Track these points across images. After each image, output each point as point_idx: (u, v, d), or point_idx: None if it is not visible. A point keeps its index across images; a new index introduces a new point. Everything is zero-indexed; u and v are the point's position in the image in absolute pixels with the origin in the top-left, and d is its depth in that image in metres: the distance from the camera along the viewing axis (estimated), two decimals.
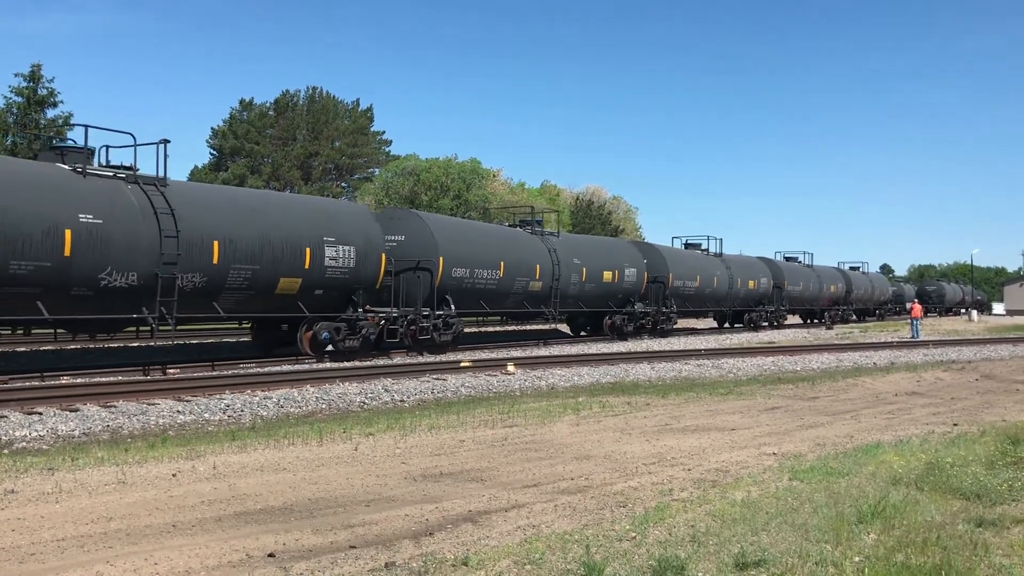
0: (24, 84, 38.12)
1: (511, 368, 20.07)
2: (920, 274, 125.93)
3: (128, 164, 18.53)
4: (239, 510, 6.78)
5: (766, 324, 46.70)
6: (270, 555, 5.56)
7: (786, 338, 38.80)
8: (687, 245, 42.82)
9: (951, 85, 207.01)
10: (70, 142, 19.06)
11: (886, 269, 76.65)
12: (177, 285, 17.97)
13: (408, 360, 22.85)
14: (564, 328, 38.33)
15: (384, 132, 71.23)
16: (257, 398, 14.76)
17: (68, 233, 16.20)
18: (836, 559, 5.31)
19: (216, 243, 18.82)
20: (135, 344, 25.69)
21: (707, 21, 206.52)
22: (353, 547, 5.76)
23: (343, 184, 66.91)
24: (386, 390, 16.19)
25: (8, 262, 15.38)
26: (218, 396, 14.87)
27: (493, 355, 24.94)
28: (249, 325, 24.23)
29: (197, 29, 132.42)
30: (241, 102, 64.24)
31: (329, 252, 21.46)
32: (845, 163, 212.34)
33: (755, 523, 6.18)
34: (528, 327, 38.59)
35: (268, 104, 64.46)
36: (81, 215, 16.47)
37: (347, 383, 16.98)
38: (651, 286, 35.90)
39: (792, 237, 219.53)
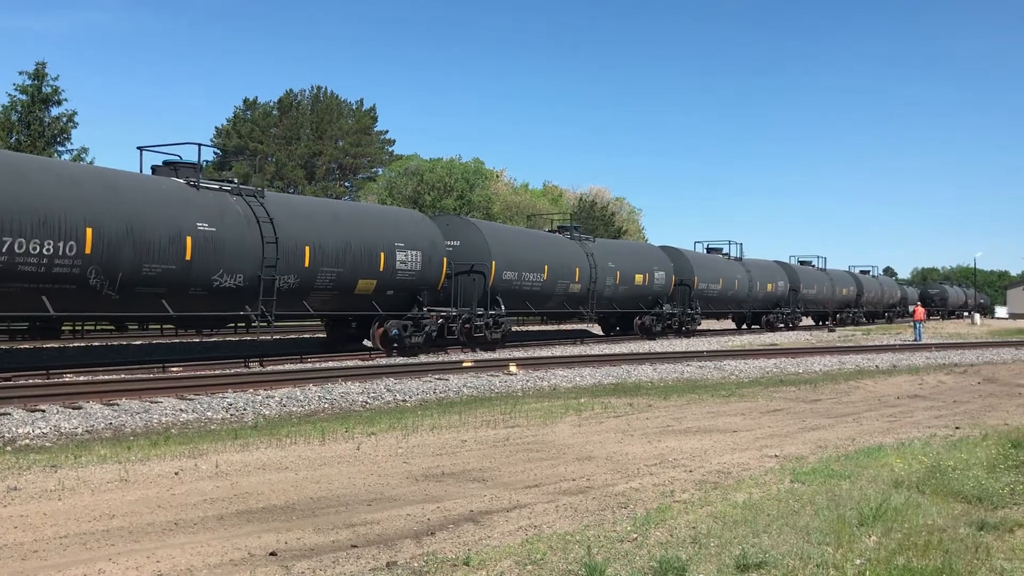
0: (28, 82, 38.15)
1: (513, 368, 20.09)
2: (923, 277, 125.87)
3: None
4: (241, 508, 6.79)
5: (782, 325, 48.22)
6: (272, 554, 5.57)
7: (788, 340, 38.80)
8: (709, 250, 44.89)
9: (954, 87, 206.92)
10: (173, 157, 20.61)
11: (889, 272, 76.52)
12: (276, 286, 20.00)
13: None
14: (593, 329, 40.39)
15: (387, 132, 71.37)
16: (260, 397, 14.78)
17: (189, 240, 18.24)
18: (837, 562, 5.31)
19: (307, 248, 20.94)
20: (138, 342, 25.97)
21: (711, 21, 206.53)
22: (355, 546, 5.76)
23: (346, 184, 66.97)
24: (388, 390, 16.21)
25: (142, 265, 17.40)
26: (221, 395, 14.89)
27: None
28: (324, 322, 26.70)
29: (201, 28, 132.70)
30: (245, 101, 64.42)
31: (399, 256, 23.61)
32: (848, 166, 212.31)
33: (756, 525, 6.18)
34: (563, 327, 41.30)
35: (272, 103, 64.58)
36: (198, 224, 18.53)
37: (349, 382, 17.00)
38: (678, 288, 38.01)
39: (794, 239, 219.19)
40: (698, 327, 40.70)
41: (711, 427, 11.81)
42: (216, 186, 20.15)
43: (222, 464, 8.59)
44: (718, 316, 45.84)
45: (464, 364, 20.77)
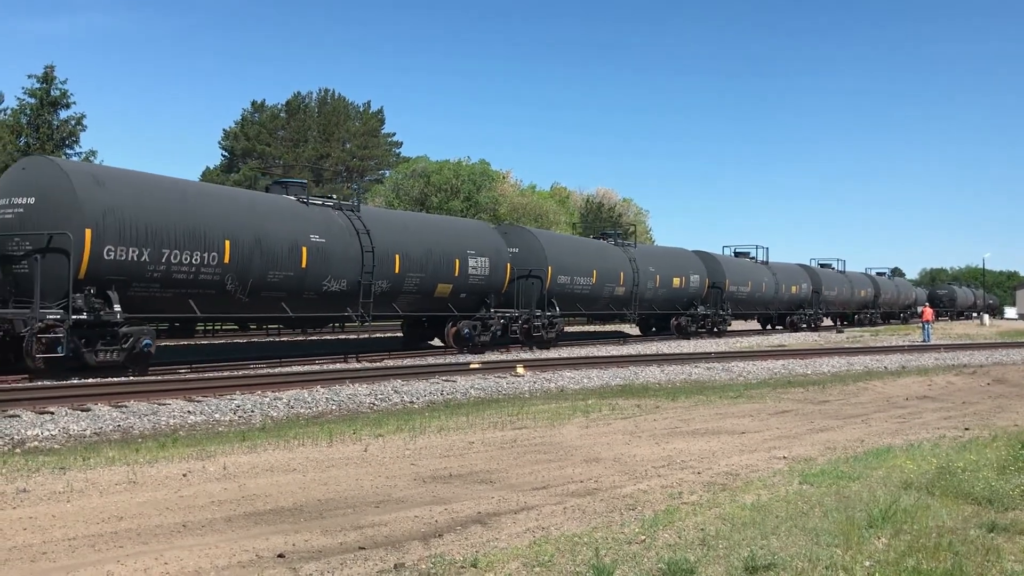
0: (37, 85, 38.30)
1: (520, 370, 20.07)
2: (932, 278, 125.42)
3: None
4: (249, 510, 6.79)
5: (805, 326, 49.82)
6: (280, 555, 5.57)
7: (796, 341, 38.75)
8: (736, 253, 46.85)
9: (963, 88, 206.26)
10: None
11: (897, 272, 76.34)
12: (372, 290, 22.55)
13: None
14: (631, 330, 42.80)
15: (395, 134, 71.44)
16: (267, 399, 14.79)
17: (304, 250, 20.74)
18: (846, 564, 5.29)
19: (398, 256, 23.52)
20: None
21: (719, 23, 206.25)
22: (362, 548, 5.76)
23: (353, 186, 67.06)
24: (396, 391, 16.21)
25: (267, 272, 19.82)
26: (228, 396, 14.91)
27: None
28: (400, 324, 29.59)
29: (208, 30, 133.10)
30: (253, 104, 64.56)
31: (471, 263, 26.10)
32: (856, 166, 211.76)
33: (765, 527, 6.16)
34: (602, 328, 43.96)
35: (280, 106, 64.72)
36: (311, 236, 21.04)
37: (357, 384, 17.00)
38: (711, 291, 40.16)
39: (800, 240, 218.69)
40: (728, 327, 42.70)
41: (719, 428, 11.78)
42: (320, 202, 22.79)
43: (230, 466, 8.59)
44: (746, 317, 47.74)
45: (472, 366, 20.76)
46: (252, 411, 13.67)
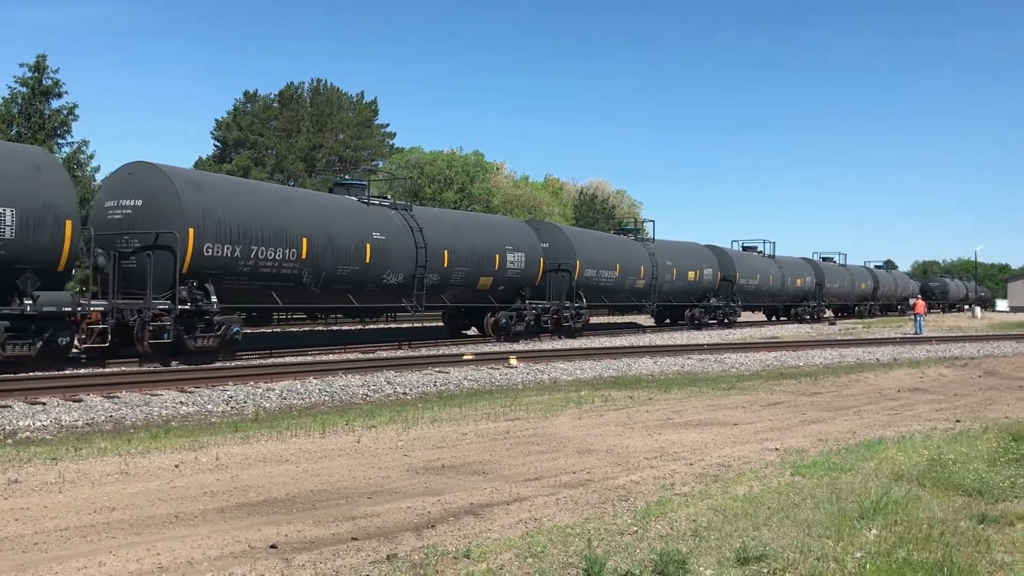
0: (29, 74, 38.05)
1: (513, 361, 20.09)
2: (924, 270, 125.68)
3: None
4: (242, 501, 6.79)
5: (808, 317, 51.90)
6: (272, 546, 5.57)
7: (789, 333, 38.86)
8: (744, 247, 48.92)
9: (956, 80, 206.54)
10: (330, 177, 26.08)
11: (890, 265, 76.63)
12: (424, 283, 24.76)
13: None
14: (644, 321, 44.53)
15: (388, 125, 71.09)
16: (260, 390, 14.79)
17: (368, 246, 23.02)
18: (838, 555, 5.30)
19: (446, 251, 25.71)
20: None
21: (712, 14, 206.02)
22: (355, 539, 5.76)
23: (346, 177, 66.91)
24: (388, 382, 16.21)
25: (338, 266, 22.10)
26: (221, 387, 14.91)
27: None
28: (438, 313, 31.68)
29: (201, 20, 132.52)
30: (245, 94, 64.10)
31: (509, 257, 28.30)
32: (848, 158, 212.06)
33: (757, 518, 6.18)
34: (618, 319, 45.78)
35: (272, 96, 64.33)
36: (374, 233, 23.33)
37: (350, 375, 17.01)
38: (722, 284, 42.25)
39: (797, 232, 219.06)
40: (738, 319, 44.91)
41: (711, 420, 11.80)
42: (378, 202, 25.08)
43: (222, 457, 8.59)
44: (754, 309, 50.32)
45: (465, 357, 20.77)
46: (245, 402, 13.66)
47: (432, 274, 25.06)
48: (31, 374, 15.39)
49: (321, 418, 11.59)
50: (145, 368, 17.34)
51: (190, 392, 14.22)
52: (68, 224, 16.51)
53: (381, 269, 23.39)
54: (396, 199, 25.87)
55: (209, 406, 13.19)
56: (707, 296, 41.17)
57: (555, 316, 30.67)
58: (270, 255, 20.16)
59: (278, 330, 30.09)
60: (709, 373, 19.87)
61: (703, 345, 27.50)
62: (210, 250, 18.83)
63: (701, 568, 5.08)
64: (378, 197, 25.55)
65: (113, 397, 13.45)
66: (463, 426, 10.93)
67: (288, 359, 20.39)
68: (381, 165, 64.13)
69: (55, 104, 38.91)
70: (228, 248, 19.20)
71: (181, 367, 17.78)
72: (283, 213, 20.88)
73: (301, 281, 21.24)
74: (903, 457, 8.64)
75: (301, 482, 7.50)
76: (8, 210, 15.62)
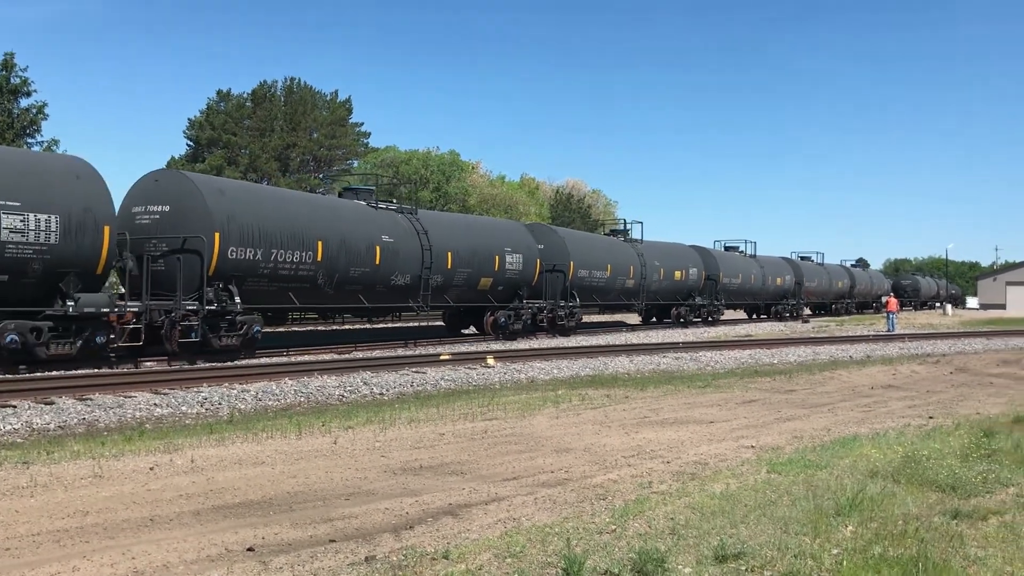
0: None
1: (491, 361, 20.07)
2: (896, 268, 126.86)
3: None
4: (217, 504, 6.73)
5: (788, 315, 53.32)
6: (249, 549, 5.52)
7: (763, 331, 39.13)
8: (727, 248, 50.42)
9: (924, 81, 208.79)
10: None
11: (862, 263, 77.37)
12: (430, 283, 25.74)
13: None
14: (628, 319, 46.35)
15: (363, 124, 70.92)
16: (235, 391, 14.68)
17: (378, 248, 23.96)
18: (814, 551, 5.34)
19: (449, 253, 26.68)
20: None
21: (688, 15, 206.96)
22: (333, 541, 5.73)
23: (320, 176, 66.53)
24: (365, 383, 16.15)
25: (350, 268, 23.06)
26: (195, 389, 14.79)
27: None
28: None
29: (173, 19, 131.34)
30: (218, 93, 63.58)
31: (508, 259, 29.26)
32: (821, 156, 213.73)
33: (734, 516, 6.21)
34: (605, 318, 47.24)
35: (245, 95, 63.89)
36: (383, 236, 24.29)
37: (326, 376, 16.92)
38: (707, 283, 43.69)
39: (769, 230, 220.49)
40: (722, 317, 46.49)
41: (688, 418, 11.85)
42: (385, 206, 26.06)
43: (198, 459, 8.51)
44: (736, 307, 51.88)
45: (442, 357, 20.73)
46: (219, 403, 13.55)
47: (437, 275, 26.09)
48: (2, 376, 15.18)
49: (297, 419, 11.52)
50: (118, 370, 17.17)
51: (164, 394, 14.09)
52: (106, 229, 17.40)
53: (390, 270, 24.39)
54: (403, 203, 26.74)
55: (183, 408, 13.07)
56: (692, 295, 42.55)
57: (550, 315, 31.81)
58: (288, 258, 21.27)
59: (283, 329, 30.53)
60: (685, 371, 19.96)
61: (679, 343, 27.62)
62: (234, 253, 19.86)
63: (680, 566, 5.10)
64: (384, 201, 26.61)
65: (86, 399, 13.30)
66: (441, 426, 10.90)
67: (263, 360, 20.25)
68: (356, 164, 63.86)
69: (24, 103, 38.43)
70: (250, 251, 20.27)
71: (155, 368, 17.62)
72: (300, 217, 21.95)
73: (316, 282, 22.29)
74: (878, 454, 8.72)
75: (277, 484, 7.45)
76: (53, 217, 16.52)
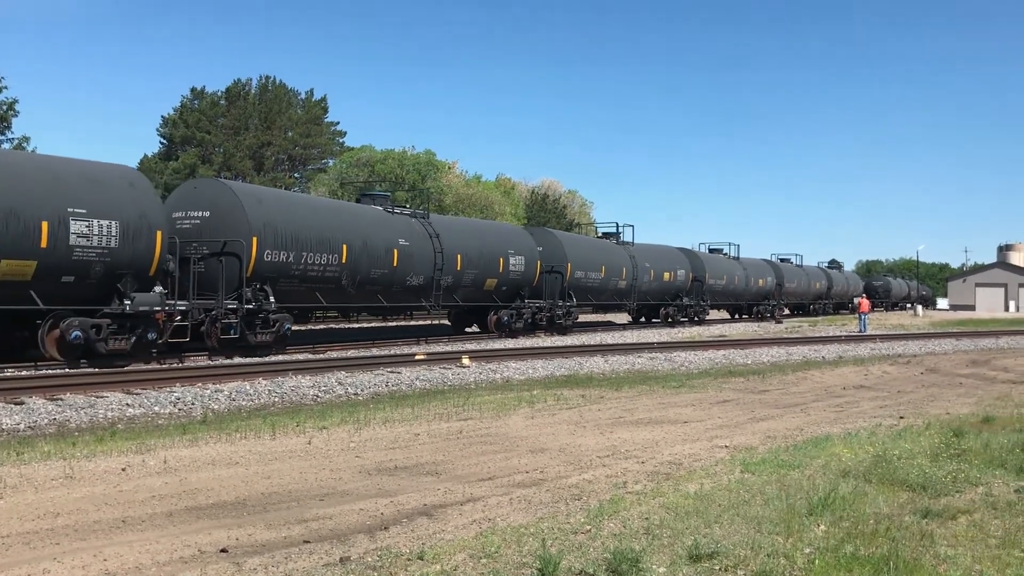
0: None
1: (466, 361, 20.05)
2: (868, 269, 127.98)
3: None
4: (191, 505, 6.69)
5: (770, 315, 55.02)
6: (223, 550, 5.49)
7: (737, 332, 39.38)
8: (711, 250, 51.73)
9: (896, 84, 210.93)
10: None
11: (835, 264, 78.14)
12: (441, 284, 27.30)
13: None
14: (617, 319, 47.88)
15: (338, 123, 70.72)
16: (208, 391, 14.57)
17: (395, 251, 25.54)
18: (787, 551, 5.39)
19: (459, 256, 28.21)
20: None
21: (668, 16, 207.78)
22: (307, 542, 5.71)
23: (295, 175, 66.18)
24: (340, 383, 16.08)
25: (371, 269, 24.67)
26: (168, 389, 14.67)
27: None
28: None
29: (147, 15, 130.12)
30: (192, 90, 63.13)
31: (511, 260, 30.94)
32: (794, 158, 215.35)
33: (708, 515, 6.25)
34: (602, 317, 48.68)
35: (219, 93, 63.43)
36: (400, 240, 25.84)
37: (300, 376, 16.83)
38: (694, 284, 45.09)
39: (745, 231, 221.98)
40: (707, 317, 48.03)
41: (662, 418, 11.90)
42: (399, 211, 27.62)
43: (170, 460, 8.45)
44: (720, 307, 53.75)
45: (417, 357, 20.68)
46: (193, 403, 13.45)
47: (447, 276, 27.64)
48: None
49: (271, 419, 11.45)
50: (89, 370, 17.01)
51: (136, 394, 13.96)
52: (159, 234, 18.69)
53: (406, 272, 25.97)
54: (415, 208, 28.46)
55: (156, 408, 12.96)
56: (680, 296, 44.09)
57: (549, 314, 33.26)
58: (317, 260, 22.80)
59: (304, 328, 31.34)
60: (659, 371, 20.04)
61: (653, 344, 27.73)
62: (269, 256, 21.41)
63: (654, 566, 5.12)
64: (399, 206, 28.33)
65: (56, 399, 13.15)
66: (416, 426, 10.88)
67: (237, 359, 20.11)
68: (331, 164, 63.56)
69: None
70: (283, 254, 21.84)
71: (127, 368, 17.47)
72: (327, 222, 23.54)
73: (340, 283, 23.82)
74: (849, 453, 8.80)
75: (251, 485, 7.41)
76: (114, 222, 17.75)
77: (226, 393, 14.43)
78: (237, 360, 19.96)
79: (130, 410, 12.71)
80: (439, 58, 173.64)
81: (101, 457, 8.59)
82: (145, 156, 61.76)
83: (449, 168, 63.07)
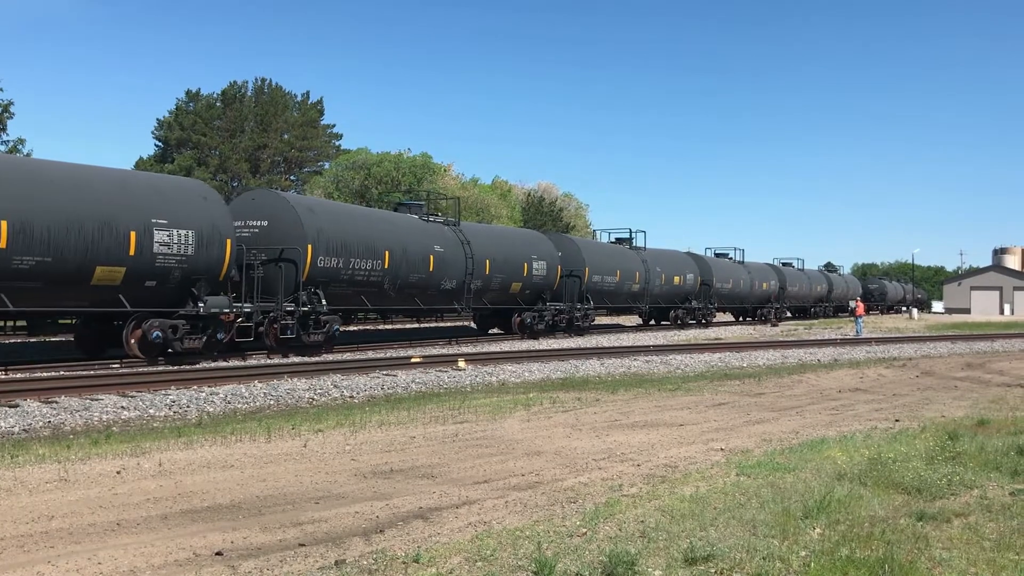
0: None
1: (462, 364, 20.03)
2: (863, 272, 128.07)
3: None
4: (186, 508, 6.67)
5: (772, 318, 55.75)
6: (218, 553, 5.48)
7: (733, 335, 39.43)
8: (717, 254, 53.28)
9: (892, 88, 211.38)
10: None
11: (830, 267, 78.27)
12: (471, 288, 28.94)
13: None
14: (625, 322, 49.48)
15: (334, 125, 70.52)
16: (204, 393, 14.55)
17: (431, 257, 27.25)
18: (783, 554, 5.39)
19: (488, 261, 29.90)
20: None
21: (655, 20, 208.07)
22: (302, 545, 5.70)
23: (292, 177, 66.09)
24: (335, 386, 16.06)
25: (409, 274, 26.35)
26: (163, 391, 14.64)
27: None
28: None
29: (143, 17, 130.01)
30: (188, 93, 63.02)
31: (535, 265, 32.62)
32: (790, 161, 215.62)
33: (703, 518, 6.25)
34: (612, 320, 50.29)
35: (215, 95, 63.34)
36: (435, 246, 27.54)
37: (296, 379, 16.81)
38: (702, 287, 46.43)
39: (736, 234, 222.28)
40: (714, 319, 49.32)
41: (658, 421, 11.90)
42: (431, 219, 29.23)
43: (166, 462, 8.43)
44: (725, 310, 54.74)
45: (412, 360, 20.66)
46: (188, 406, 13.43)
47: (477, 280, 29.27)
48: None
49: (267, 422, 11.43)
50: (84, 372, 16.98)
51: (131, 396, 13.93)
52: (228, 242, 20.47)
53: (440, 276, 27.64)
54: (447, 216, 30.31)
55: (151, 411, 12.93)
56: (689, 299, 45.45)
57: (567, 316, 34.76)
58: (363, 265, 24.47)
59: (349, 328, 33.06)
60: (655, 374, 20.04)
61: (649, 347, 27.74)
62: (322, 262, 22.95)
63: (650, 569, 5.12)
64: (432, 215, 29.93)
65: (51, 402, 13.12)
66: (411, 429, 10.87)
67: (232, 362, 20.08)
68: (327, 166, 63.52)
69: None
70: (334, 260, 23.42)
71: (123, 371, 17.44)
72: (371, 230, 25.23)
73: (383, 287, 25.52)
74: (845, 457, 8.80)
75: (247, 487, 7.40)
76: (191, 232, 19.50)
77: (221, 396, 14.41)
78: (233, 363, 19.97)
79: (125, 412, 12.68)
80: (435, 61, 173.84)
81: (96, 460, 8.57)
82: (140, 158, 61.67)
83: (445, 171, 63.05)
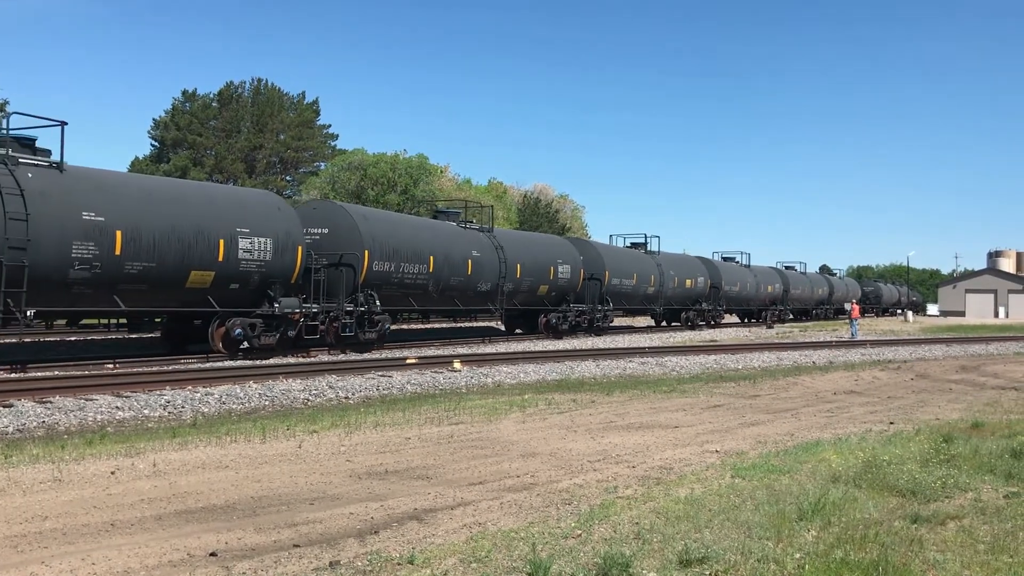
0: None
1: (457, 365, 20.03)
2: (858, 275, 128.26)
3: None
4: (180, 508, 6.66)
5: (777, 319, 58.09)
6: (212, 554, 5.47)
7: (728, 337, 39.48)
8: (724, 258, 54.48)
9: (887, 90, 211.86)
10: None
11: (826, 269, 78.51)
12: (504, 290, 31.06)
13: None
14: (634, 323, 51.11)
15: (330, 126, 70.58)
16: (198, 394, 14.52)
17: (470, 262, 29.27)
18: (777, 556, 5.39)
19: (519, 265, 32.03)
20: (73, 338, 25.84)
21: (652, 22, 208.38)
22: (297, 546, 5.69)
23: (287, 178, 66.07)
24: (330, 387, 16.05)
25: (451, 277, 28.37)
26: (158, 392, 14.61)
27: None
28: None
29: (139, 17, 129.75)
30: (184, 93, 63.05)
31: (560, 269, 34.62)
32: (785, 164, 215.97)
33: (698, 520, 6.25)
34: (620, 321, 50.31)
35: (211, 95, 63.33)
36: (473, 251, 29.63)
37: (290, 380, 16.79)
38: (711, 290, 48.36)
39: (731, 236, 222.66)
40: (722, 320, 51.25)
41: (653, 423, 11.91)
42: (467, 225, 31.50)
43: (160, 463, 8.41)
44: (732, 312, 56.79)
45: (408, 361, 20.66)
46: (183, 407, 13.40)
47: (509, 283, 31.29)
48: None
49: (262, 423, 11.42)
50: (79, 372, 16.95)
51: (126, 397, 13.91)
52: (299, 249, 22.48)
53: (477, 279, 29.64)
54: (482, 224, 32.32)
55: (146, 411, 12.91)
56: (699, 301, 47.58)
57: (588, 317, 36.60)
58: (411, 269, 26.45)
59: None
60: (651, 376, 20.04)
61: (645, 348, 27.76)
62: (376, 266, 24.92)
63: (644, 571, 5.13)
64: (467, 222, 32.09)
65: (46, 402, 13.09)
66: (406, 430, 10.86)
67: (227, 363, 20.05)
68: (323, 167, 63.47)
69: None
70: (387, 264, 25.41)
71: (117, 371, 17.42)
72: (417, 237, 27.25)
73: (427, 289, 27.47)
74: (839, 459, 8.81)
75: (241, 488, 7.38)
76: (268, 239, 21.50)
77: (216, 396, 14.39)
78: (227, 363, 19.96)
79: (120, 413, 12.65)
80: (432, 62, 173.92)
81: (90, 460, 8.55)
82: (136, 158, 61.62)
83: (441, 172, 63.05)
